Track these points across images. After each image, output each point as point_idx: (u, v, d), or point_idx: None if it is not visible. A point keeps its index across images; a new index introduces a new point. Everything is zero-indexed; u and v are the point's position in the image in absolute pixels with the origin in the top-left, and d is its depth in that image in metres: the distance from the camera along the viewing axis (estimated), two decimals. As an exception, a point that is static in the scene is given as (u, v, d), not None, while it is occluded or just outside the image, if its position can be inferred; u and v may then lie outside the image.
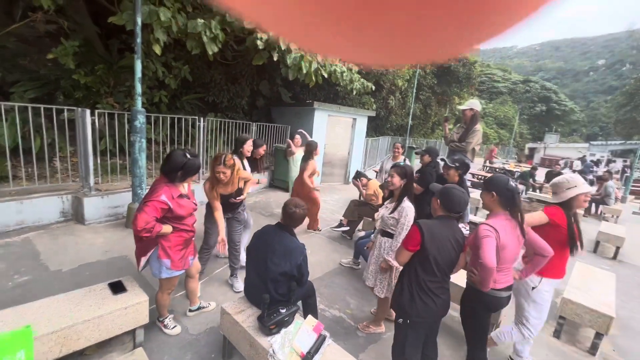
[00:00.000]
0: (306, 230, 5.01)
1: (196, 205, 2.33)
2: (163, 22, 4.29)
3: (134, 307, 2.14)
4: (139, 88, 4.16)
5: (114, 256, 3.60)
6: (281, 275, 2.09)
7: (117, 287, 2.26)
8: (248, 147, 3.45)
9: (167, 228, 2.13)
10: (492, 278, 1.84)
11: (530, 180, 10.74)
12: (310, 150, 4.83)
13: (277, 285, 2.10)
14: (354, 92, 9.16)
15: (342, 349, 2.00)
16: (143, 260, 2.20)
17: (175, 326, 2.46)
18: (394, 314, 2.22)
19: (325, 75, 6.68)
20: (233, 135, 6.61)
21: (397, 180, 2.61)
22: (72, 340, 1.90)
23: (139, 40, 4.04)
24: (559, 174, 11.59)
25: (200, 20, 4.70)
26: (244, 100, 8.99)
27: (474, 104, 4.01)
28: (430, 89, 16.88)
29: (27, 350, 1.52)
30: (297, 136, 6.34)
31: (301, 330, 1.93)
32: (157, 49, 4.53)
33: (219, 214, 2.79)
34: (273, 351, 1.78)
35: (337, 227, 5.02)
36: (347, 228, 4.89)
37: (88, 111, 4.25)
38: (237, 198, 3.01)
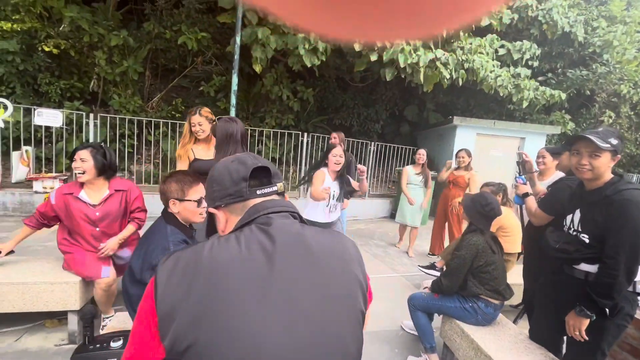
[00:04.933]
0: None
1: (95, 216, 2.02)
2: (260, 40, 4.57)
3: (60, 286, 1.95)
4: (233, 99, 4.54)
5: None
6: (131, 279, 1.34)
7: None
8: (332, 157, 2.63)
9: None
10: None
11: None
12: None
13: (131, 297, 1.35)
14: (525, 104, 6.78)
15: None
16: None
17: (104, 326, 2.11)
18: None
19: (447, 75, 5.17)
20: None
21: None
22: (-4, 299, 1.89)
23: (236, 57, 4.45)
24: None
25: (300, 35, 4.73)
26: (379, 124, 8.44)
27: None
28: None
29: None
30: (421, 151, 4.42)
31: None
32: (258, 68, 4.86)
33: None
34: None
35: (426, 267, 3.38)
36: (434, 271, 3.20)
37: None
38: None
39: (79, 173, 1.94)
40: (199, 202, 1.47)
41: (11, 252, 2.05)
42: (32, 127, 4.76)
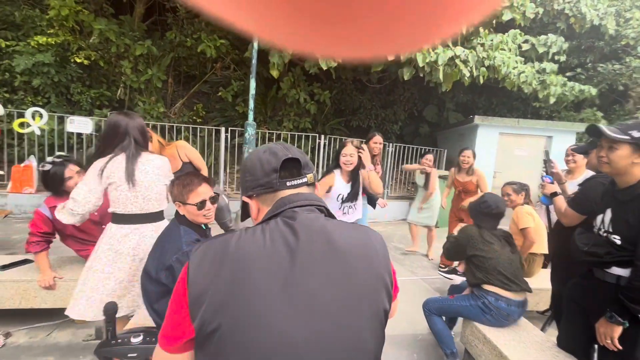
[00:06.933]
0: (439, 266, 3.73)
1: (96, 216, 2.04)
2: (277, 44, 4.64)
3: (87, 284, 2.05)
4: (251, 104, 4.61)
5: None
6: (147, 278, 1.39)
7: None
8: (342, 157, 2.46)
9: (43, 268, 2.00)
10: None
11: None
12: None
13: (149, 295, 1.40)
14: (552, 101, 6.50)
15: None
16: None
17: None
18: None
19: (467, 73, 5.02)
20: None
21: None
22: (30, 295, 2.01)
23: (254, 62, 4.54)
24: None
25: (316, 37, 4.76)
26: (397, 125, 8.33)
27: None
28: None
29: None
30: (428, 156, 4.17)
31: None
32: (275, 73, 4.93)
33: None
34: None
35: (446, 271, 3.28)
36: (455, 276, 3.11)
37: (223, 129, 5.14)
38: None
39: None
40: (199, 205, 1.48)
41: (29, 260, 2.19)
42: (65, 134, 5.05)
